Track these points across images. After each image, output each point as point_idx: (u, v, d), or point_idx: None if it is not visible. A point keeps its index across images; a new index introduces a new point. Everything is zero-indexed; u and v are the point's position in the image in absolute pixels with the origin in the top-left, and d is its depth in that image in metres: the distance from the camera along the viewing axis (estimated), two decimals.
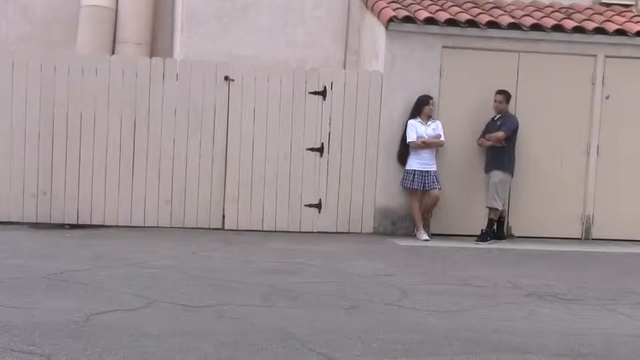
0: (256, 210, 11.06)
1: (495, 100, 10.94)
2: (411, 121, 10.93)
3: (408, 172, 10.94)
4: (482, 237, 10.91)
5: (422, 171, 10.86)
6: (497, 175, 10.86)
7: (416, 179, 10.86)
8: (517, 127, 11.00)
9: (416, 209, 11.00)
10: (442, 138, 10.97)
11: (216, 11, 12.26)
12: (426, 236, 10.88)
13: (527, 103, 11.37)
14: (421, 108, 10.94)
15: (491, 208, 10.91)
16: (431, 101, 10.97)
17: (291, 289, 7.56)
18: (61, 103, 10.62)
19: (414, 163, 10.91)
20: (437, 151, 11.08)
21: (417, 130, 10.87)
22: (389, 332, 6.19)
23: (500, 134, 10.81)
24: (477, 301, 7.53)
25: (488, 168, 11.01)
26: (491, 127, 11.02)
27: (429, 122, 10.94)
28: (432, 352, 5.70)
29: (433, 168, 10.94)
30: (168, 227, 10.83)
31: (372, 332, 6.14)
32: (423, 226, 11.04)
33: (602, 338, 6.32)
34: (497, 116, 11.00)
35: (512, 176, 11.07)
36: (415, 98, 11.07)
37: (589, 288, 8.36)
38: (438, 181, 10.95)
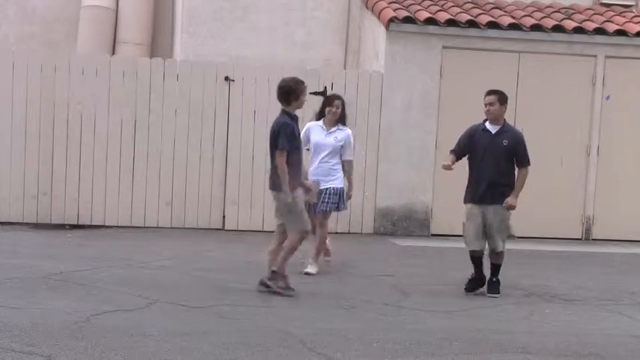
0: (256, 210, 11.05)
1: (486, 103, 7.92)
2: (309, 124, 8.68)
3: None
4: (495, 287, 7.95)
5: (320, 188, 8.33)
6: (503, 210, 7.92)
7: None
8: None
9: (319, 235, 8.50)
10: (349, 157, 8.57)
11: (217, 12, 12.26)
12: (310, 269, 8.31)
13: (527, 104, 11.37)
14: (323, 109, 8.61)
15: (499, 253, 7.98)
16: (337, 102, 8.54)
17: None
18: (62, 103, 10.62)
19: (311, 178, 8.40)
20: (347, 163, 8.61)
21: (310, 134, 8.56)
22: (389, 332, 6.20)
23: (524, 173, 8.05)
24: (476, 301, 7.54)
25: (486, 199, 7.92)
26: (484, 140, 7.92)
27: (335, 129, 8.51)
28: (432, 352, 5.71)
29: (334, 184, 8.44)
30: (168, 228, 10.82)
31: (372, 332, 6.15)
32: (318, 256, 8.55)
33: (602, 338, 6.33)
34: (496, 129, 7.92)
35: None
36: (415, 99, 11.06)
37: (589, 288, 8.37)
38: (336, 202, 8.50)
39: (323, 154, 8.48)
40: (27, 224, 10.61)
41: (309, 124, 8.62)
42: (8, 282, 7.23)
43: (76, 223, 10.71)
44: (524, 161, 8.03)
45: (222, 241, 10.26)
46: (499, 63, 11.35)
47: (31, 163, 10.60)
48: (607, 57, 11.56)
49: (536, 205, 11.41)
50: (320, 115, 8.64)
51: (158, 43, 13.27)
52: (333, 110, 8.49)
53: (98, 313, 6.27)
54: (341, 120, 8.56)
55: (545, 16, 11.75)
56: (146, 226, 10.81)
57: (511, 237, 11.42)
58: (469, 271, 8.64)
